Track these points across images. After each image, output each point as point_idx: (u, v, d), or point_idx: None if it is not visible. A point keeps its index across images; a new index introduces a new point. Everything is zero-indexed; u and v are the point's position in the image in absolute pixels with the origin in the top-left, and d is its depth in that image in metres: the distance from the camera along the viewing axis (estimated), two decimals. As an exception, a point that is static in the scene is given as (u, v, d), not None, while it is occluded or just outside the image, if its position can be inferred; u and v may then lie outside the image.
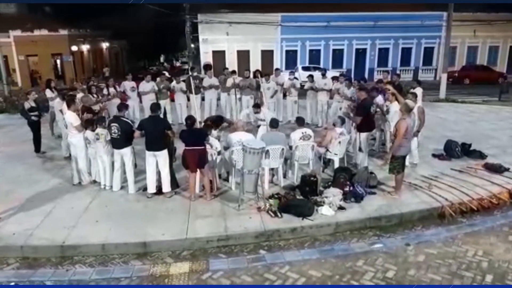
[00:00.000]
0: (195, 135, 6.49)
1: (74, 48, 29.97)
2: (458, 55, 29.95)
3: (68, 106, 7.54)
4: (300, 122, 7.57)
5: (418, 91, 9.30)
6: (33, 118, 9.05)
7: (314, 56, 28.95)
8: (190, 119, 6.60)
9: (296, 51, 28.89)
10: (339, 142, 7.45)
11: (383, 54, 29.68)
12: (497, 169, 7.78)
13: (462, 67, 28.51)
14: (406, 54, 29.80)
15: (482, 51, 30.64)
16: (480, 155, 8.62)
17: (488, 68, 28.03)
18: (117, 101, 10.28)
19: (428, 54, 30.01)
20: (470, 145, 8.90)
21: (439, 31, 28.29)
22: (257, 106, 8.97)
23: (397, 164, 6.52)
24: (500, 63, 30.47)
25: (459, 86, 24.26)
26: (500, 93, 18.93)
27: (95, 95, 9.76)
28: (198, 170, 6.55)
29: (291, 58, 28.68)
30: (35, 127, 9.25)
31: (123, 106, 7.37)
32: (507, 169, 7.79)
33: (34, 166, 8.68)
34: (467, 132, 10.79)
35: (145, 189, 6.95)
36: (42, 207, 6.42)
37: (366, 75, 25.95)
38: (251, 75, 12.16)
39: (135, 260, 5.23)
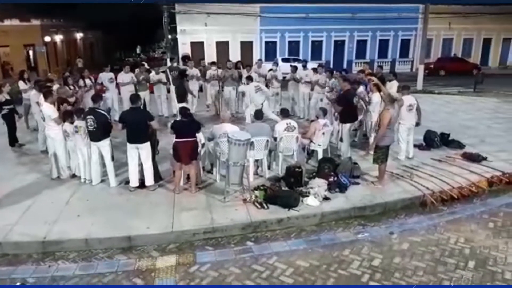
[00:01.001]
0: (188, 126, 6.39)
1: (47, 38, 29.00)
2: (434, 47, 30.48)
3: (45, 98, 7.28)
4: (285, 113, 7.55)
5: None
6: (4, 111, 8.74)
7: (294, 47, 28.95)
8: (188, 109, 6.51)
9: (275, 42, 28.81)
10: (323, 133, 7.47)
11: (361, 46, 29.95)
12: (475, 158, 7.97)
13: (438, 59, 29.04)
14: (383, 46, 30.14)
15: (457, 43, 31.29)
16: (459, 145, 8.82)
17: (462, 60, 28.67)
18: (92, 92, 10.02)
19: (405, 46, 30.45)
20: (448, 135, 9.10)
21: (415, 23, 28.73)
22: (250, 78, 10.38)
23: (381, 154, 6.60)
24: (474, 54, 31.19)
25: (435, 77, 24.72)
26: (475, 84, 19.38)
27: (71, 87, 9.49)
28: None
29: (270, 50, 28.58)
30: (10, 120, 8.92)
31: (97, 97, 7.10)
32: (485, 158, 7.99)
33: (10, 160, 8.39)
34: (445, 123, 11.02)
35: (126, 182, 6.81)
36: (20, 203, 6.21)
37: (345, 67, 26.18)
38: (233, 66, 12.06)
39: (119, 255, 5.13)
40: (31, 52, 29.47)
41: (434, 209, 6.34)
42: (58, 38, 31.50)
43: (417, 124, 8.12)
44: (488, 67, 30.19)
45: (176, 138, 6.37)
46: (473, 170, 7.48)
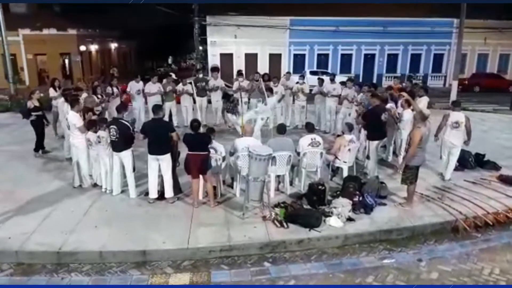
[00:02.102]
0: (198, 139, 6.26)
1: (83, 48, 29.97)
2: (468, 63, 29.54)
3: (72, 107, 7.35)
4: (310, 128, 7.30)
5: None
6: (32, 118, 8.90)
7: (322, 60, 28.75)
8: (196, 121, 6.38)
9: (304, 55, 28.69)
10: (349, 150, 7.18)
11: (392, 60, 29.42)
12: (512, 182, 7.48)
13: (472, 75, 28.09)
14: (415, 60, 29.49)
15: (493, 59, 30.23)
16: (495, 166, 8.31)
17: (498, 76, 27.60)
18: (118, 101, 10.13)
19: (438, 61, 29.68)
20: (484, 156, 8.60)
21: (449, 37, 28.02)
22: (271, 90, 9.94)
23: (410, 175, 6.25)
24: (511, 71, 29.99)
25: (469, 93, 23.83)
26: (511, 102, 18.52)
27: (99, 96, 9.60)
28: (200, 176, 6.32)
29: (299, 62, 28.47)
30: (38, 127, 9.08)
31: (122, 108, 7.08)
32: (523, 182, 7.48)
33: (35, 166, 8.50)
34: (480, 142, 10.39)
35: (146, 193, 6.72)
36: (40, 210, 6.21)
37: (375, 81, 25.70)
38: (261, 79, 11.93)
39: (133, 269, 5.00)
40: (66, 61, 30.53)
41: (466, 236, 5.92)
42: (93, 47, 32.50)
43: (465, 142, 7.75)
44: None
45: (188, 150, 6.26)
46: (509, 194, 6.99)
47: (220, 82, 11.77)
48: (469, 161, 8.38)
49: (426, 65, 29.51)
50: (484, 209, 6.37)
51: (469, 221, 6.07)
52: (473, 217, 6.15)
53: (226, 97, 10.78)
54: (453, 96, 18.21)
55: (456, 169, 8.24)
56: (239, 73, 12.16)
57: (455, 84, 18.49)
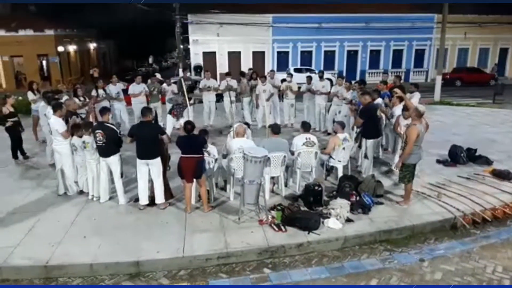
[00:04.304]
0: (193, 141, 6.00)
1: (61, 48, 29.15)
2: (449, 57, 29.87)
3: (54, 111, 6.98)
4: (306, 127, 7.09)
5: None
6: (8, 124, 8.48)
7: (306, 57, 28.65)
8: (190, 124, 6.12)
9: (287, 52, 28.54)
10: (343, 149, 7.04)
11: (375, 56, 29.55)
12: (505, 176, 7.46)
13: (454, 69, 28.45)
14: (397, 56, 29.68)
15: (473, 53, 30.68)
16: (487, 161, 8.29)
17: (479, 70, 28.03)
18: (106, 103, 9.79)
19: (419, 56, 29.94)
20: (475, 150, 8.58)
21: (430, 33, 28.32)
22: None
23: (408, 173, 6.14)
24: (490, 65, 30.49)
25: (451, 88, 24.12)
26: (494, 95, 18.81)
27: (81, 98, 9.25)
28: (194, 180, 6.08)
29: (282, 60, 28.32)
30: (14, 133, 8.64)
31: (105, 110, 6.75)
32: (516, 176, 7.47)
33: (16, 173, 8.12)
34: (469, 136, 10.47)
35: (136, 199, 6.44)
36: (24, 221, 5.88)
37: (358, 77, 25.79)
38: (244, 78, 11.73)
39: (126, 281, 4.75)
40: (44, 62, 29.65)
41: (466, 233, 5.86)
42: (72, 48, 31.66)
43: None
44: (505, 77, 29.48)
45: (182, 154, 6.00)
46: (504, 189, 6.96)
47: (213, 82, 11.55)
48: (461, 156, 8.35)
49: (408, 60, 29.74)
50: (481, 205, 6.31)
51: (468, 218, 6.00)
52: (471, 214, 6.09)
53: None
54: (438, 91, 18.40)
55: (448, 164, 8.24)
56: (227, 73, 11.93)
57: (439, 79, 18.64)
